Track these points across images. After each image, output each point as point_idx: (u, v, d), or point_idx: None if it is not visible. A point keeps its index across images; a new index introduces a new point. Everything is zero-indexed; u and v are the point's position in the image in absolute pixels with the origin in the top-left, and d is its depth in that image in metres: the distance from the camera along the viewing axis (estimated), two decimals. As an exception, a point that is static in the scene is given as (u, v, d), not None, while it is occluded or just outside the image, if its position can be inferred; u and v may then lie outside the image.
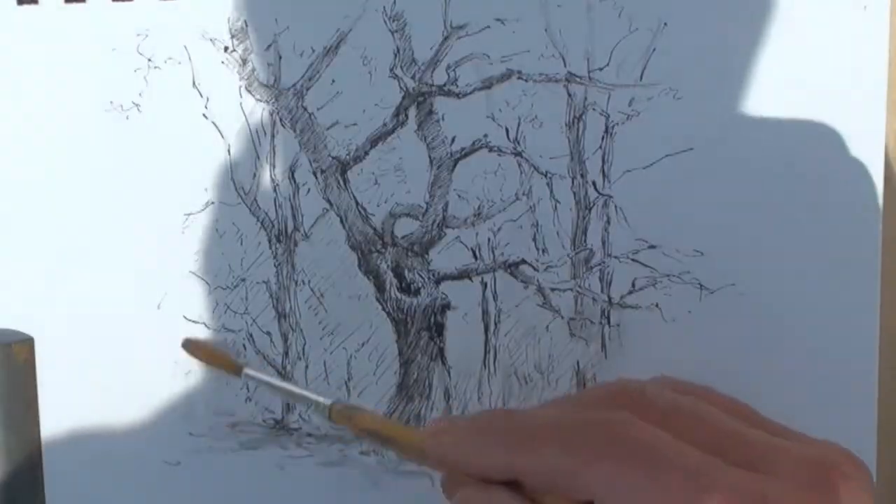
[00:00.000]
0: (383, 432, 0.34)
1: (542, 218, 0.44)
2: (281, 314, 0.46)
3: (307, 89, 0.44)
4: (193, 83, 0.45)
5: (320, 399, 0.36)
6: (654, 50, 0.42)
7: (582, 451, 0.28)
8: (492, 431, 0.31)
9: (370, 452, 0.46)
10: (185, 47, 0.44)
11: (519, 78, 0.43)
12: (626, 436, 0.28)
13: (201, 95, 0.45)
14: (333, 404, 0.35)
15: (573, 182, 0.44)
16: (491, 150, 0.44)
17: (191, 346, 0.40)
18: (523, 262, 0.44)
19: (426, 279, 0.45)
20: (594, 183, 0.43)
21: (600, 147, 0.43)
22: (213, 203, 0.45)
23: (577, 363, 0.44)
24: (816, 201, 0.42)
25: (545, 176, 0.44)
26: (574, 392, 0.44)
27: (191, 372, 0.46)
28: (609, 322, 0.44)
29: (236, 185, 0.45)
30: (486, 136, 0.44)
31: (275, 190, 0.45)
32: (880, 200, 0.42)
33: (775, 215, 0.43)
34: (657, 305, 0.44)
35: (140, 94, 0.45)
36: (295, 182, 0.45)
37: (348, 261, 0.45)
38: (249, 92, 0.45)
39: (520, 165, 0.44)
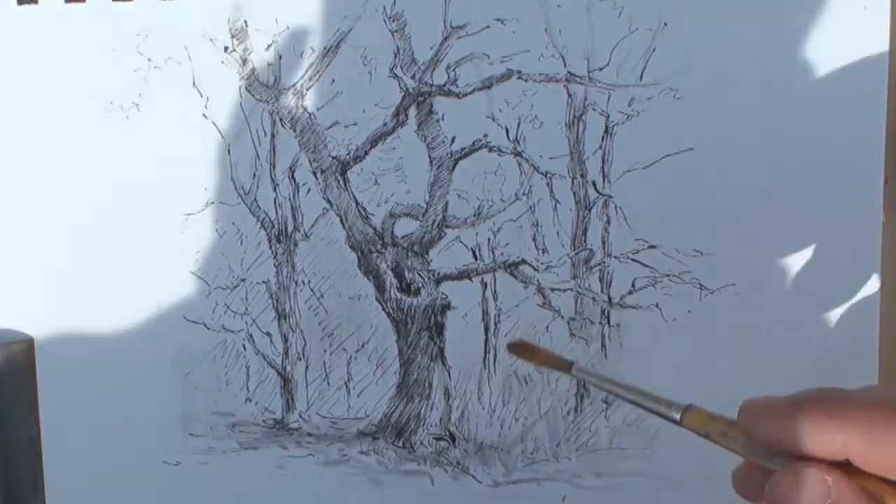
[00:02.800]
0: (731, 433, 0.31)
1: (542, 218, 0.44)
2: (281, 314, 0.46)
3: (307, 89, 0.44)
4: (193, 83, 0.45)
5: (672, 401, 0.32)
6: (654, 50, 0.42)
7: None
8: (830, 410, 0.29)
9: (370, 452, 0.46)
10: (185, 47, 0.44)
11: (519, 78, 0.43)
12: None
13: (201, 95, 0.45)
14: (689, 408, 0.31)
15: (573, 182, 0.44)
16: (491, 150, 0.44)
17: (518, 349, 0.37)
18: (523, 262, 0.44)
19: (426, 279, 0.45)
20: (594, 183, 0.43)
21: (600, 147, 0.43)
22: (213, 203, 0.45)
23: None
24: (816, 201, 0.42)
25: (545, 176, 0.44)
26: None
27: (191, 372, 0.46)
28: (609, 322, 0.44)
29: (236, 185, 0.45)
30: (486, 136, 0.44)
31: (275, 190, 0.45)
32: (880, 200, 0.42)
33: (775, 215, 0.43)
34: (657, 305, 0.44)
35: (140, 94, 0.45)
36: (295, 182, 0.45)
37: (348, 261, 0.45)
38: (249, 92, 0.45)
39: (520, 165, 0.44)
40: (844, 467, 0.28)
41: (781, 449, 0.30)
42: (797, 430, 0.29)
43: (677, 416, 0.31)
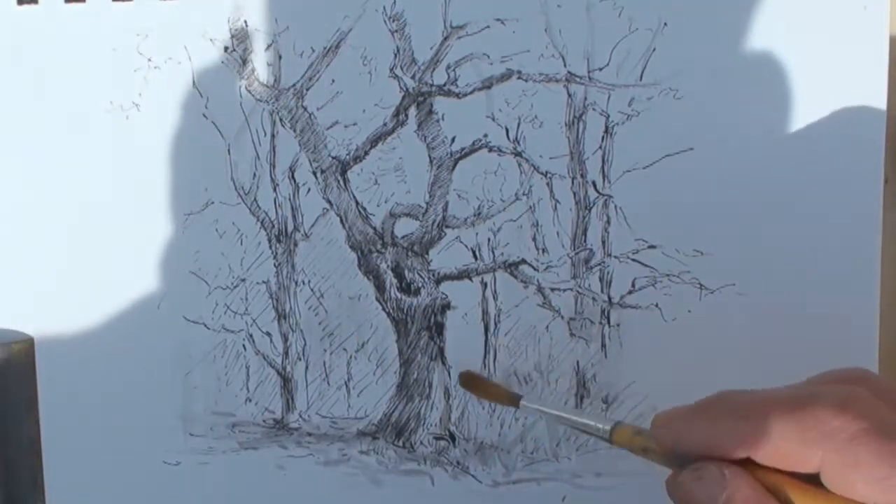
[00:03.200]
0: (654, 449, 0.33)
1: (542, 218, 0.44)
2: (281, 314, 0.46)
3: (307, 89, 0.44)
4: (193, 83, 0.45)
5: (600, 424, 0.34)
6: (654, 50, 0.42)
7: (814, 422, 0.28)
8: (723, 409, 0.30)
9: (370, 452, 0.46)
10: (185, 47, 0.44)
11: (519, 78, 0.43)
12: (858, 408, 0.28)
13: (201, 95, 0.45)
14: (616, 426, 0.34)
15: (573, 182, 0.44)
16: (491, 150, 0.44)
17: (468, 380, 0.40)
18: (523, 262, 0.44)
19: (426, 279, 0.45)
20: (594, 183, 0.43)
21: (600, 147, 0.43)
22: (213, 203, 0.45)
23: (577, 363, 0.44)
24: (816, 201, 0.42)
25: (545, 176, 0.44)
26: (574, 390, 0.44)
27: (191, 372, 0.46)
28: (609, 322, 0.44)
29: (236, 185, 0.45)
30: (486, 136, 0.44)
31: (275, 190, 0.45)
32: (880, 200, 0.42)
33: (775, 215, 0.43)
34: (657, 305, 0.44)
35: (140, 94, 0.45)
36: (295, 182, 0.45)
37: (348, 261, 0.45)
38: (249, 92, 0.45)
39: (520, 165, 0.44)
40: (748, 463, 0.29)
41: (688, 452, 0.31)
42: (696, 432, 0.31)
43: (607, 437, 0.34)
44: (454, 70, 0.43)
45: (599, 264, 0.44)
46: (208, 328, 0.46)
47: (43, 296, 0.46)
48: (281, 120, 0.45)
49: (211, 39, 0.44)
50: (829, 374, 0.33)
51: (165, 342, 0.46)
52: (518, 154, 0.44)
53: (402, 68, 0.44)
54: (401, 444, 0.46)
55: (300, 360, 0.46)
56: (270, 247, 0.45)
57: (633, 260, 0.44)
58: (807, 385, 0.32)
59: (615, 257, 0.44)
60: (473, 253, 0.44)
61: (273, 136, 0.45)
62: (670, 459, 0.32)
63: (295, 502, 0.46)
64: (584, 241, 0.44)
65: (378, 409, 0.46)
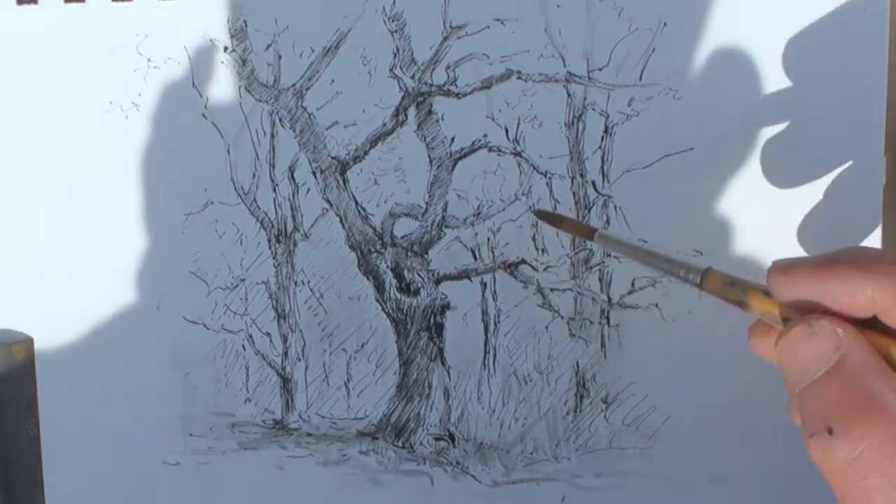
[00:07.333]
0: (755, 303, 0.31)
1: (541, 218, 0.44)
2: (280, 315, 0.46)
3: (307, 89, 0.44)
4: (193, 83, 0.45)
5: (691, 264, 0.32)
6: (654, 50, 0.42)
7: None
8: (854, 262, 0.27)
9: (370, 452, 0.46)
10: (185, 47, 0.44)
11: (519, 78, 0.43)
12: None
13: (201, 95, 0.45)
14: (708, 272, 0.32)
15: (573, 182, 0.44)
16: (491, 150, 0.44)
17: (542, 214, 0.41)
18: (523, 262, 0.44)
19: (426, 279, 0.45)
20: (594, 183, 0.43)
21: (600, 147, 0.43)
22: (212, 203, 0.45)
23: (577, 363, 0.44)
24: (816, 201, 0.42)
25: (545, 176, 0.44)
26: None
27: (191, 372, 0.46)
28: (609, 322, 0.44)
29: (236, 185, 0.45)
30: (485, 136, 0.44)
31: (275, 190, 0.45)
32: (880, 200, 0.42)
33: (775, 215, 0.43)
34: (657, 305, 0.44)
35: (140, 94, 0.45)
36: (295, 182, 0.45)
37: (348, 261, 0.45)
38: (249, 92, 0.45)
39: (519, 165, 0.44)
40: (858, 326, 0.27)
41: (807, 306, 0.28)
42: (825, 283, 0.28)
43: (697, 280, 0.32)
44: (454, 70, 0.43)
45: (599, 264, 0.44)
46: (208, 328, 0.46)
47: (43, 296, 0.46)
48: (280, 120, 0.45)
49: (211, 39, 0.44)
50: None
51: (165, 342, 0.46)
52: (518, 154, 0.44)
53: (401, 68, 0.44)
54: (400, 444, 0.46)
55: (300, 360, 0.46)
56: (270, 247, 0.45)
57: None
58: None
59: (615, 257, 0.44)
60: (473, 253, 0.44)
61: (273, 136, 0.45)
62: (768, 314, 0.30)
63: (294, 502, 0.46)
64: (584, 241, 0.44)
65: (378, 410, 0.46)
